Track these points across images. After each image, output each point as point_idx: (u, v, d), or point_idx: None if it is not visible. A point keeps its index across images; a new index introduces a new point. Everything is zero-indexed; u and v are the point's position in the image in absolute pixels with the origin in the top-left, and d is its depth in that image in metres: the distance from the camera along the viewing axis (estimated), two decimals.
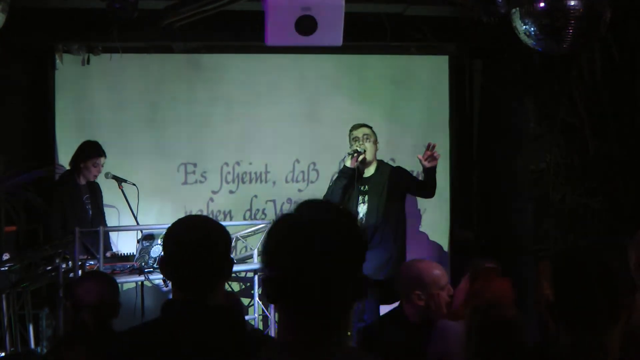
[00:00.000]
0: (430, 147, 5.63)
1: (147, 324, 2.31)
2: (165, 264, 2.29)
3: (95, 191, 6.16)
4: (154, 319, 2.27)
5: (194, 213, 6.89)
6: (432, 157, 5.62)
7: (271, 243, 1.64)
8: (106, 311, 3.33)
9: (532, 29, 4.74)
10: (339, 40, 5.20)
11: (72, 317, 3.38)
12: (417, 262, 3.80)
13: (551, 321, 2.20)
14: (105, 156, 6.08)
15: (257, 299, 6.03)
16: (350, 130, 6.04)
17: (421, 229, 7.24)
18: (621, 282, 2.13)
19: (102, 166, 6.10)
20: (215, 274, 2.26)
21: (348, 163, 5.86)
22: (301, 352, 1.59)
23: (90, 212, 6.06)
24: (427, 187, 5.77)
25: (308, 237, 1.59)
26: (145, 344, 2.17)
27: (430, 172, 5.68)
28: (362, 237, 1.70)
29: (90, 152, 6.05)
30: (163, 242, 2.33)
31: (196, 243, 2.24)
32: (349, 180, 5.86)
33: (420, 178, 6.21)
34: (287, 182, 7.16)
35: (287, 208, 7.11)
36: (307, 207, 1.68)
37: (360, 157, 5.82)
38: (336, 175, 6.10)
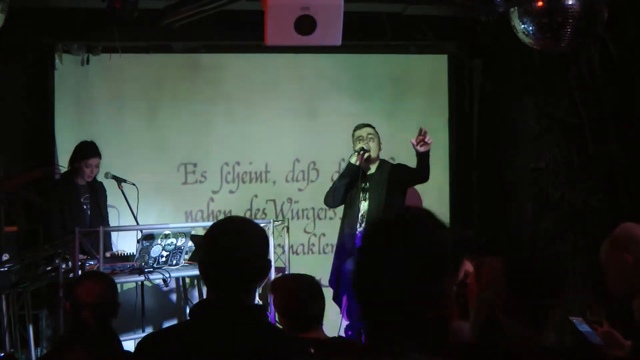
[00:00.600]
0: (421, 132, 5.62)
1: (180, 325, 2.32)
2: (202, 265, 2.29)
3: (96, 191, 6.14)
4: (187, 320, 2.28)
5: (194, 213, 6.93)
6: (424, 142, 5.61)
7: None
8: (105, 311, 3.34)
9: (531, 27, 4.76)
10: (338, 40, 5.20)
11: (72, 317, 3.38)
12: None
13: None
14: (100, 157, 6.04)
15: (256, 297, 6.02)
16: (354, 130, 6.05)
17: None
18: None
19: (97, 167, 6.05)
20: (254, 275, 2.26)
21: (353, 160, 5.88)
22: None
23: (89, 213, 6.05)
24: (420, 172, 5.75)
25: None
26: (179, 345, 2.16)
27: (423, 157, 5.67)
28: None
29: (84, 152, 6.02)
30: (203, 242, 2.32)
31: (237, 244, 2.23)
32: (353, 177, 5.89)
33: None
34: (287, 181, 7.17)
35: (288, 207, 7.13)
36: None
37: (366, 155, 5.85)
38: (340, 172, 6.11)
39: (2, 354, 5.10)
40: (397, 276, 1.59)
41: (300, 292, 3.25)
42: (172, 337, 2.24)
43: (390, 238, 1.66)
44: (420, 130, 5.63)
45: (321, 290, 3.39)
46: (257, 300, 5.90)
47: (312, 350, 2.41)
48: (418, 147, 5.61)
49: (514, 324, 2.37)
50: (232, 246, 2.22)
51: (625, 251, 2.97)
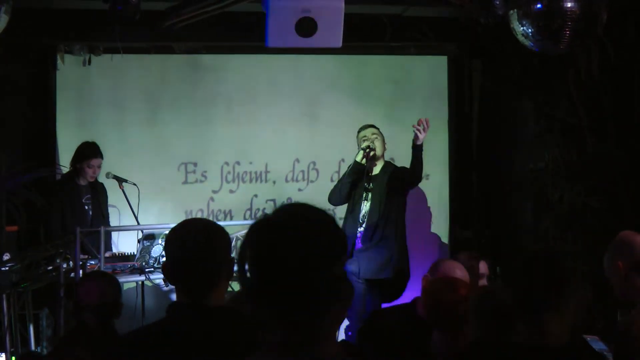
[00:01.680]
0: (419, 123, 5.67)
1: (150, 326, 2.34)
2: (167, 268, 2.32)
3: (97, 192, 6.16)
4: (158, 320, 2.30)
5: (194, 212, 6.94)
6: (423, 127, 5.65)
7: (242, 249, 1.65)
8: (108, 311, 3.35)
9: (530, 30, 4.77)
10: (338, 42, 5.23)
11: (74, 317, 3.40)
12: (445, 261, 3.84)
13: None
14: (102, 157, 6.07)
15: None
16: (359, 132, 6.11)
17: (424, 228, 7.27)
18: (565, 277, 2.41)
19: (99, 167, 6.08)
20: (216, 275, 2.28)
21: (359, 158, 5.92)
22: (284, 353, 1.59)
23: (90, 213, 6.07)
24: (414, 169, 5.78)
25: (272, 241, 1.60)
26: (148, 346, 2.19)
27: (417, 150, 5.71)
28: (336, 236, 1.65)
29: (85, 153, 6.04)
30: (164, 246, 2.36)
31: (195, 246, 2.26)
32: (359, 175, 5.93)
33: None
34: (287, 181, 7.19)
35: None
36: (281, 212, 1.67)
37: (372, 153, 5.90)
38: (348, 169, 6.12)
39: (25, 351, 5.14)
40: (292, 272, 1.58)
41: None
42: (146, 337, 2.26)
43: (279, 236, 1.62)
44: (419, 121, 5.67)
45: None
46: None
47: None
48: (417, 132, 5.64)
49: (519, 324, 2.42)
50: (195, 248, 2.25)
51: (618, 257, 3.04)
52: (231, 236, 6.32)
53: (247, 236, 1.64)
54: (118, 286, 3.53)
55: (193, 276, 2.25)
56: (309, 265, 1.57)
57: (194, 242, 2.28)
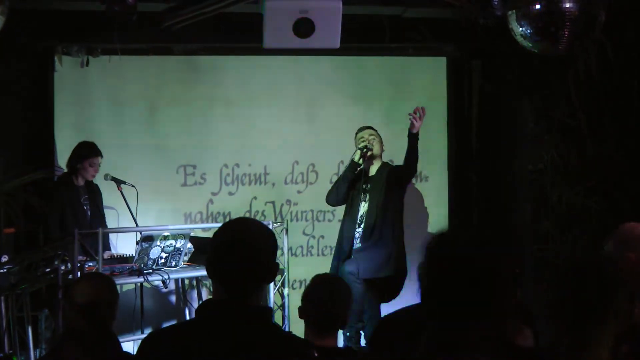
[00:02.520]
0: (415, 111, 5.71)
1: (184, 323, 2.33)
2: (210, 264, 2.30)
3: (94, 192, 6.17)
4: (192, 319, 2.29)
5: (193, 215, 6.93)
6: (419, 116, 5.70)
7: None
8: (101, 312, 3.32)
9: (529, 31, 4.77)
10: (336, 43, 5.23)
11: (67, 317, 3.39)
12: None
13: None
14: (102, 156, 6.07)
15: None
16: (357, 133, 6.16)
17: (423, 228, 7.26)
18: (612, 285, 2.23)
19: (99, 166, 6.10)
20: (262, 276, 2.27)
21: (356, 158, 5.94)
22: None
23: (89, 214, 6.07)
24: (408, 160, 5.80)
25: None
26: (182, 343, 2.17)
27: (413, 138, 5.74)
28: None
29: (87, 152, 6.04)
30: (211, 241, 2.33)
31: (248, 245, 2.23)
32: (356, 176, 5.96)
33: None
34: (286, 183, 7.18)
35: (287, 209, 7.14)
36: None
37: (369, 153, 5.92)
38: (341, 172, 6.14)
39: (1, 355, 5.12)
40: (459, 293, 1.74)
41: (328, 293, 3.27)
42: (175, 335, 2.24)
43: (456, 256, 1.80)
44: (416, 109, 5.72)
45: (349, 295, 3.42)
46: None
47: (316, 354, 2.42)
48: (413, 120, 5.68)
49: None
50: (241, 246, 2.23)
51: (628, 250, 3.01)
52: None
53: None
54: (114, 287, 3.51)
55: (241, 275, 2.21)
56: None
57: (246, 239, 2.25)
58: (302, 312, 3.30)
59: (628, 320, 2.25)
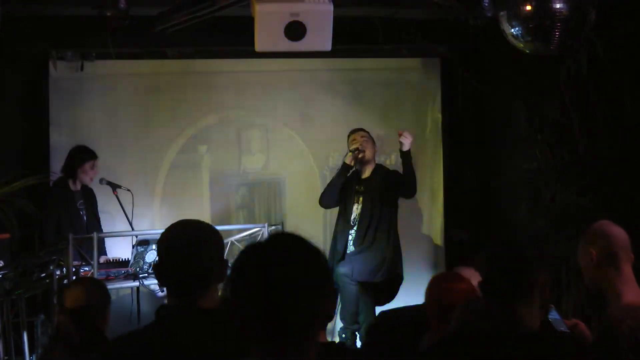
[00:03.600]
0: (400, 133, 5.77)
1: (140, 330, 2.33)
2: (157, 270, 2.31)
3: (89, 197, 6.18)
4: (148, 324, 2.29)
5: (189, 217, 6.92)
6: (404, 137, 5.73)
7: (233, 273, 1.69)
8: (91, 316, 3.33)
9: (520, 31, 4.77)
10: (328, 45, 5.24)
11: (57, 321, 3.40)
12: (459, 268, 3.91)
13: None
14: (97, 158, 6.09)
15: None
16: (349, 135, 6.18)
17: (417, 229, 7.27)
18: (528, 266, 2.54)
19: (97, 167, 6.11)
20: (207, 277, 2.27)
21: (348, 160, 5.95)
22: None
23: (85, 218, 6.08)
24: (407, 181, 5.83)
25: (264, 268, 1.64)
26: (138, 349, 2.19)
27: (405, 157, 5.76)
28: (323, 271, 1.73)
29: (85, 155, 6.06)
30: (157, 248, 2.35)
31: (186, 247, 2.25)
32: (348, 177, 5.97)
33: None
34: (281, 184, 7.20)
35: (284, 210, 7.16)
36: (275, 240, 1.74)
37: (360, 155, 5.93)
38: (335, 172, 6.15)
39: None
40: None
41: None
42: (136, 340, 2.25)
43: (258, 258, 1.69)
44: (399, 132, 5.77)
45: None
46: None
47: None
48: (401, 140, 5.71)
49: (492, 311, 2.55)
50: (185, 249, 2.24)
51: (591, 245, 3.07)
52: (226, 240, 6.32)
53: (239, 263, 1.70)
54: (105, 291, 3.52)
55: (183, 277, 2.23)
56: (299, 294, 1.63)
57: (184, 242, 2.27)
58: None
59: (549, 293, 2.64)
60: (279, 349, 1.63)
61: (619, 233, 3.12)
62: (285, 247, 1.68)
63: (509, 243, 2.73)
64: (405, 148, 5.76)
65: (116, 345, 2.31)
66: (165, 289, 2.35)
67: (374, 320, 3.89)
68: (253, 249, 1.70)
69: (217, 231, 2.36)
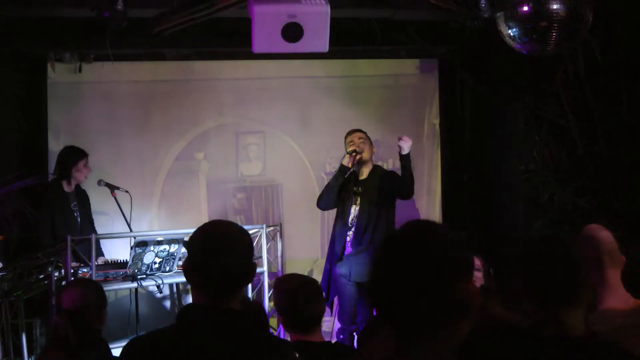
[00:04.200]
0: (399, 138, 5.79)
1: (165, 329, 2.32)
2: (188, 269, 2.31)
3: (82, 198, 6.16)
4: (173, 324, 2.27)
5: (187, 219, 6.94)
6: (404, 141, 5.75)
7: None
8: (87, 317, 3.33)
9: (517, 32, 4.79)
10: (325, 47, 5.24)
11: (54, 322, 3.41)
12: None
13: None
14: (88, 155, 6.08)
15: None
16: (346, 136, 6.15)
17: None
18: (582, 265, 2.36)
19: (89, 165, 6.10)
20: (237, 279, 2.26)
21: (345, 162, 5.95)
22: None
23: (79, 220, 6.07)
24: (404, 184, 5.84)
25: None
26: (164, 349, 2.17)
27: (404, 160, 5.77)
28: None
29: (77, 155, 6.04)
30: (187, 246, 2.34)
31: (218, 248, 2.24)
32: (346, 179, 5.97)
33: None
34: (280, 185, 7.20)
35: (281, 212, 7.16)
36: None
37: (358, 157, 5.93)
38: (334, 173, 6.14)
39: None
40: (408, 287, 1.71)
41: (300, 293, 3.26)
42: (157, 341, 2.23)
43: (402, 250, 1.77)
44: (399, 138, 5.77)
45: (321, 292, 3.41)
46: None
47: (297, 355, 2.43)
48: (400, 144, 5.72)
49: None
50: (216, 250, 2.23)
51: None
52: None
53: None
54: (101, 292, 3.52)
55: (216, 278, 2.22)
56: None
57: (218, 241, 2.25)
58: (284, 323, 3.29)
59: (594, 294, 2.47)
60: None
61: (604, 237, 3.08)
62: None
63: (552, 243, 2.53)
64: (405, 151, 5.76)
65: (141, 345, 2.28)
66: (189, 287, 2.34)
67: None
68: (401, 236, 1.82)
69: (248, 233, 2.35)
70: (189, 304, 2.33)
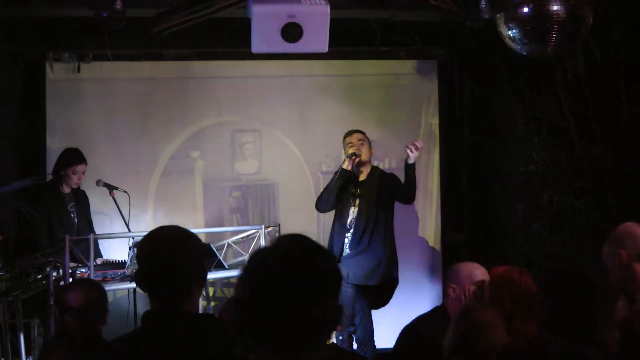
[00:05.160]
0: (412, 144, 5.75)
1: (127, 335, 2.35)
2: (139, 277, 2.32)
3: (81, 199, 6.14)
4: (134, 330, 2.31)
5: (186, 220, 6.93)
6: (415, 147, 5.72)
7: (244, 272, 1.70)
8: (91, 316, 3.35)
9: (517, 33, 4.78)
10: (324, 47, 5.24)
11: (57, 322, 3.41)
12: (466, 262, 3.95)
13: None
14: (85, 163, 6.02)
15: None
16: (345, 137, 6.12)
17: (413, 232, 7.27)
18: (600, 292, 2.42)
19: (83, 174, 6.04)
20: (189, 282, 2.29)
21: (345, 165, 5.93)
22: None
23: (77, 220, 6.05)
24: (407, 189, 5.83)
25: (272, 268, 1.65)
26: (124, 354, 2.20)
27: (410, 169, 5.77)
28: (333, 274, 1.71)
29: (70, 159, 5.99)
30: (137, 255, 2.36)
31: (166, 254, 2.27)
32: (345, 182, 5.95)
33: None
34: (278, 185, 7.19)
35: (280, 213, 7.15)
36: (285, 241, 1.74)
37: (357, 160, 5.91)
38: (335, 176, 6.11)
39: None
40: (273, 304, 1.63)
41: None
42: (120, 346, 2.27)
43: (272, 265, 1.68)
44: (413, 143, 5.75)
45: None
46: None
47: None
48: (408, 151, 5.69)
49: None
50: (161, 257, 2.27)
51: (620, 247, 3.11)
52: (223, 242, 6.30)
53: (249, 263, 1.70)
54: (103, 293, 3.53)
55: (165, 284, 2.25)
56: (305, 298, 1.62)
57: (164, 249, 2.28)
58: None
59: (616, 320, 2.43)
60: (288, 351, 1.63)
61: None
62: (296, 248, 1.69)
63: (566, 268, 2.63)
64: (411, 161, 5.76)
65: (106, 350, 2.32)
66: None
67: (396, 341, 3.89)
68: (267, 250, 1.71)
69: (195, 236, 2.38)
70: (147, 311, 2.34)
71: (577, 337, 2.33)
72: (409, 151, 5.71)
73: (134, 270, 2.35)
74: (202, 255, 2.37)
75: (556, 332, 2.39)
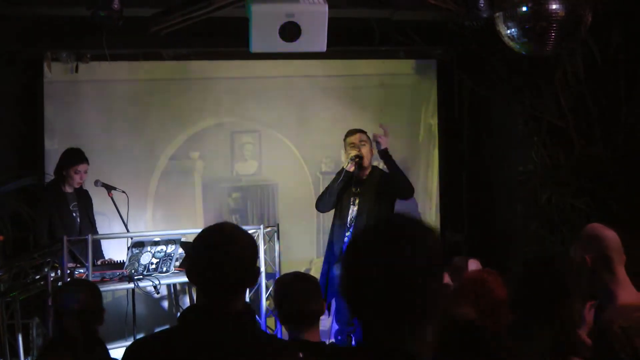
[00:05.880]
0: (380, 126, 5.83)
1: (167, 330, 2.34)
2: (191, 269, 2.30)
3: (83, 199, 6.13)
4: (175, 325, 2.28)
5: (185, 220, 6.93)
6: (380, 137, 5.76)
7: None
8: (89, 317, 3.35)
9: (515, 32, 4.78)
10: (323, 46, 5.23)
11: (55, 323, 3.41)
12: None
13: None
14: (87, 163, 6.00)
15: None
16: (346, 136, 6.08)
17: None
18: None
19: (85, 173, 6.02)
20: (240, 281, 2.28)
21: (347, 166, 5.92)
22: None
23: (78, 220, 6.04)
24: (395, 180, 5.83)
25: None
26: (165, 350, 2.18)
27: (384, 156, 5.78)
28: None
29: (71, 159, 5.98)
30: (192, 247, 2.34)
31: (223, 250, 2.25)
32: (347, 183, 5.95)
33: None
34: (278, 185, 7.19)
35: (279, 213, 7.14)
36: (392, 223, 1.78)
37: (359, 162, 5.91)
38: (337, 177, 6.09)
39: None
40: (380, 284, 1.64)
41: (295, 286, 3.27)
42: (160, 342, 2.24)
43: (375, 245, 1.69)
44: (380, 125, 5.81)
45: (318, 290, 3.41)
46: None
47: (301, 355, 2.43)
48: (378, 139, 5.70)
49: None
50: (221, 252, 2.24)
51: (585, 251, 3.06)
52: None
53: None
54: (98, 293, 3.53)
55: (220, 278, 2.23)
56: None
57: (222, 243, 2.26)
58: (282, 317, 3.29)
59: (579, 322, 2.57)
60: (397, 330, 1.64)
61: (611, 236, 3.10)
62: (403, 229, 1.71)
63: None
64: (382, 146, 5.76)
65: (145, 345, 2.28)
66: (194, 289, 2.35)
67: None
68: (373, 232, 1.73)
69: (251, 237, 2.36)
70: (191, 305, 2.34)
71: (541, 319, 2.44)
72: (378, 139, 5.72)
73: (187, 263, 2.33)
74: (256, 254, 2.36)
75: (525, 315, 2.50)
